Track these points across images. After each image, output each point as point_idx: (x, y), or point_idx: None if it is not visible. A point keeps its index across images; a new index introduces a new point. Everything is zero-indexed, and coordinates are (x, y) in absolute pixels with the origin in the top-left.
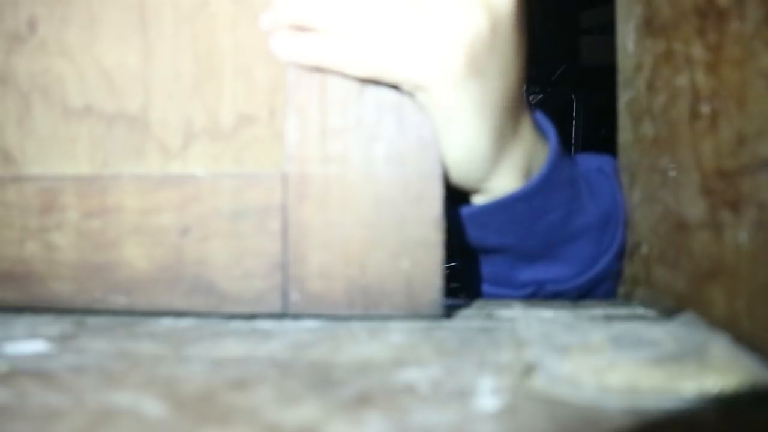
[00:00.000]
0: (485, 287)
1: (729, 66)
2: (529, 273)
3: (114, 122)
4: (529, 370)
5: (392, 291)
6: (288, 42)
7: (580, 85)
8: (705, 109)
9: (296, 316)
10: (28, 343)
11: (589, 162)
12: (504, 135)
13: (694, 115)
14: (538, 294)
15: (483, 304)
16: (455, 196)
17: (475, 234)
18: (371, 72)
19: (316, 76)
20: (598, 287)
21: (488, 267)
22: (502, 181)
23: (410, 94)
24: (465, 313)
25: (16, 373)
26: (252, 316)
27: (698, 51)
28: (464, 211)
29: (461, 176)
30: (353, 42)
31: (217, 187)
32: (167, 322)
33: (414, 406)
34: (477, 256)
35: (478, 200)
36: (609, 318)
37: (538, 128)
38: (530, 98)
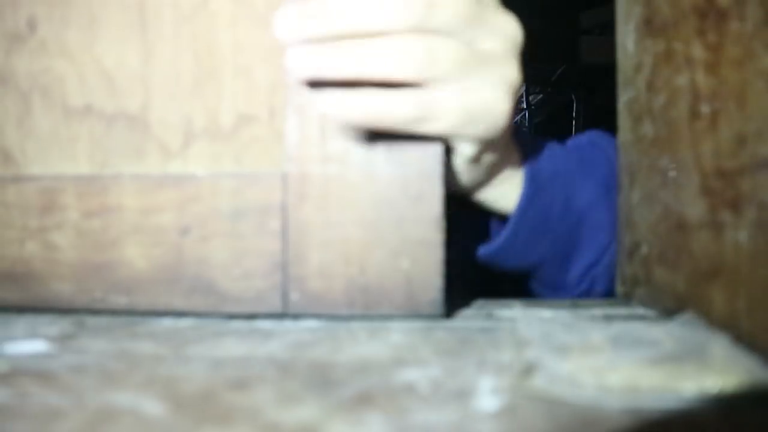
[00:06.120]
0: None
1: (729, 66)
2: (576, 266)
3: (114, 122)
4: (529, 370)
5: (392, 291)
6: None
7: (580, 85)
8: (705, 109)
9: (296, 316)
10: (28, 343)
11: (579, 138)
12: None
13: (694, 115)
14: (597, 277)
15: (483, 304)
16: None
17: (514, 258)
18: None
19: None
20: None
21: (538, 284)
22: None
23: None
24: (465, 313)
25: (16, 373)
26: (252, 316)
27: (698, 51)
28: (494, 245)
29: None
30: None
31: (217, 186)
32: (167, 322)
33: (414, 406)
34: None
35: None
36: (609, 318)
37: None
38: (530, 98)
